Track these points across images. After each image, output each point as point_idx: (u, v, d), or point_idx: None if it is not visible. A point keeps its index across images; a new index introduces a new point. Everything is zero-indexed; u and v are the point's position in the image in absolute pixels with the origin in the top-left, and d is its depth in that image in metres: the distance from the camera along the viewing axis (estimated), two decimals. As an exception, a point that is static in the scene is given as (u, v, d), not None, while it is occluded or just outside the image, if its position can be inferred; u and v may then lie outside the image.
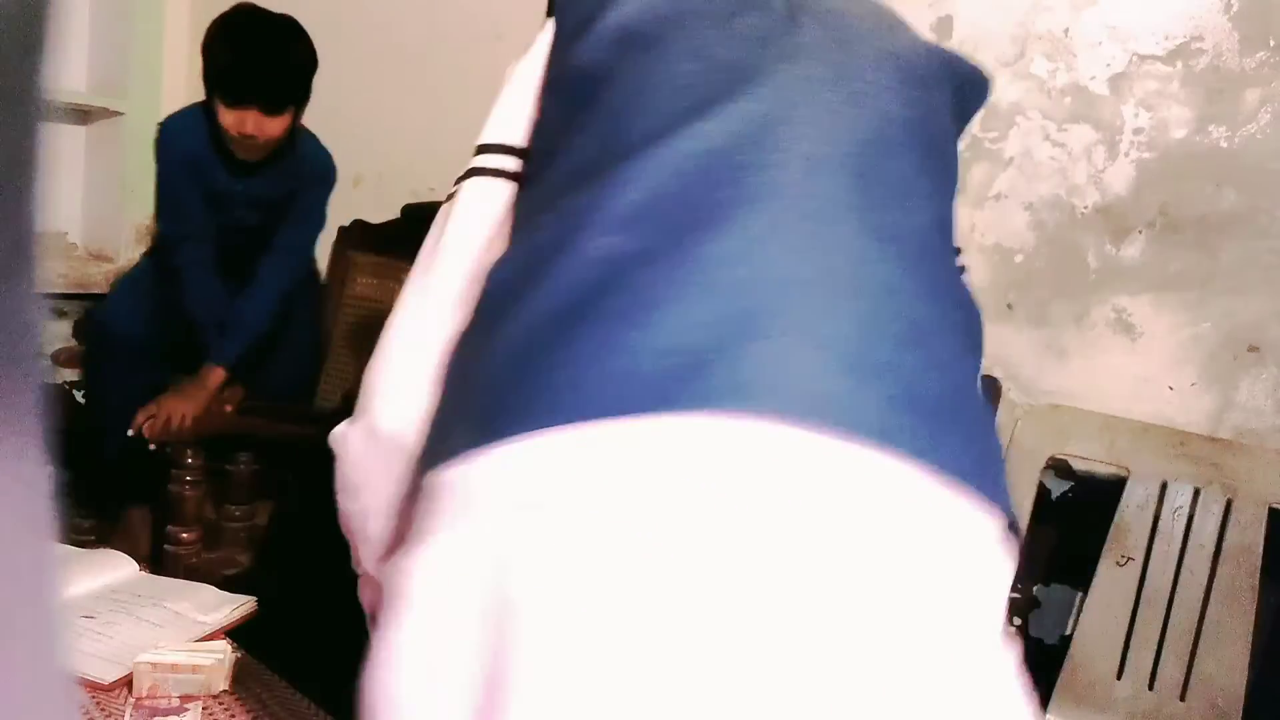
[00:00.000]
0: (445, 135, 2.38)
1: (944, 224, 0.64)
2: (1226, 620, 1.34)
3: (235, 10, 1.79)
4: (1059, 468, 1.59)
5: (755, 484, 0.48)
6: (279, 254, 2.05)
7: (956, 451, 0.52)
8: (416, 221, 2.23)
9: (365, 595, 0.76)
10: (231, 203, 1.95)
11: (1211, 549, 1.38)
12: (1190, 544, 1.39)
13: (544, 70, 0.73)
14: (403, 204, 2.34)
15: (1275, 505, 1.36)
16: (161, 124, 1.95)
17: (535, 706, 0.46)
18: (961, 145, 1.78)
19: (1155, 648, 1.37)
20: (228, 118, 1.77)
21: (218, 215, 1.94)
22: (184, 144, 1.87)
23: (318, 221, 2.11)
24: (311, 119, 2.65)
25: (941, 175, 0.67)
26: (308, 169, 1.99)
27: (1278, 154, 1.46)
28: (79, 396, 2.42)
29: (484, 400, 0.55)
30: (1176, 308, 1.54)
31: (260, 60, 1.73)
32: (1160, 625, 1.38)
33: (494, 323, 0.58)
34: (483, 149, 0.75)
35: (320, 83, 2.66)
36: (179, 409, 1.84)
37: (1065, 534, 1.59)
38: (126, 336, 1.98)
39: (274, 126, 1.80)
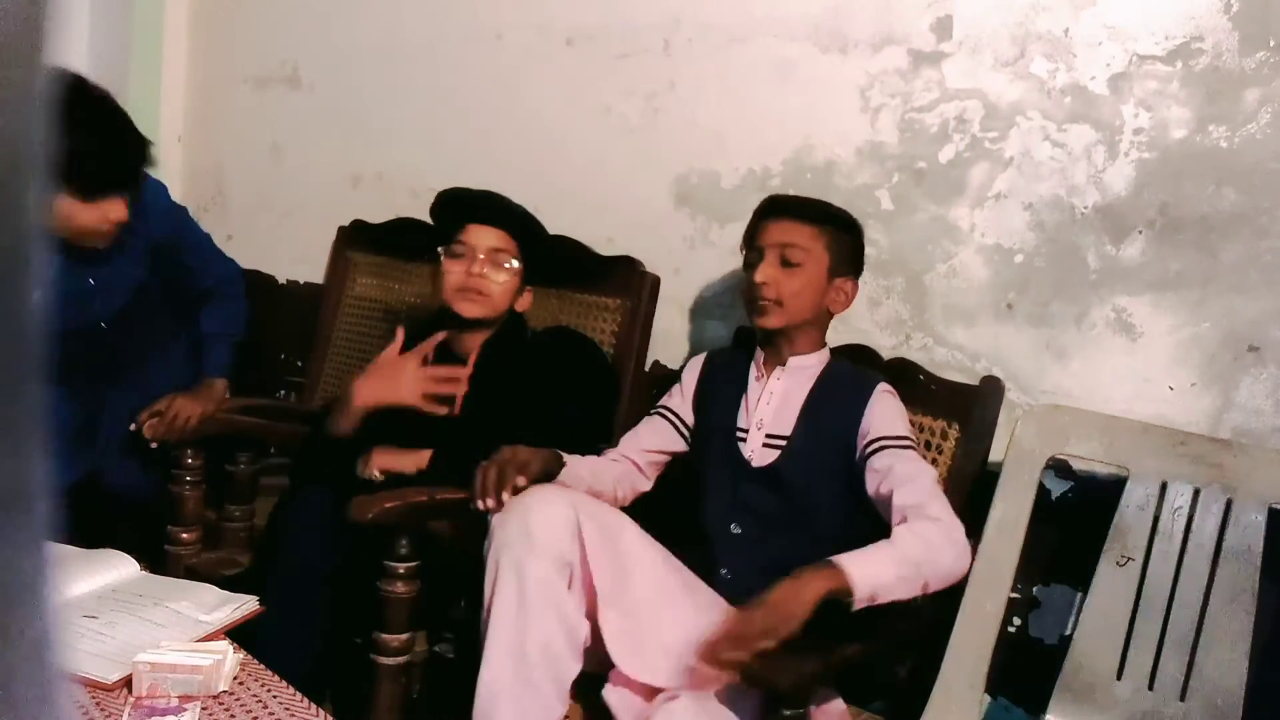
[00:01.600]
0: (445, 135, 2.38)
1: None
2: (1226, 620, 1.34)
3: (62, 92, 1.58)
4: (1059, 468, 1.59)
5: None
6: (217, 285, 2.07)
7: None
8: (413, 230, 2.22)
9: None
10: (86, 298, 1.83)
11: (1211, 549, 1.37)
12: (1190, 544, 1.39)
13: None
14: (402, 204, 2.35)
15: (1276, 505, 1.36)
16: None
17: None
18: (962, 145, 1.80)
19: (1155, 648, 1.37)
20: (89, 214, 1.64)
21: (67, 321, 1.80)
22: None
23: (207, 243, 2.10)
24: (312, 119, 2.66)
25: None
26: (152, 222, 1.88)
27: (1278, 154, 1.46)
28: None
29: None
30: (1176, 308, 1.54)
31: (110, 149, 1.62)
32: (1160, 625, 1.38)
33: None
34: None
35: (321, 83, 2.66)
36: (187, 409, 1.84)
37: (1065, 534, 1.59)
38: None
39: (116, 210, 1.70)
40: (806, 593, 1.19)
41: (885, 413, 1.48)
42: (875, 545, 1.29)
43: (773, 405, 1.56)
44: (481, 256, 1.68)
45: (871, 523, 1.42)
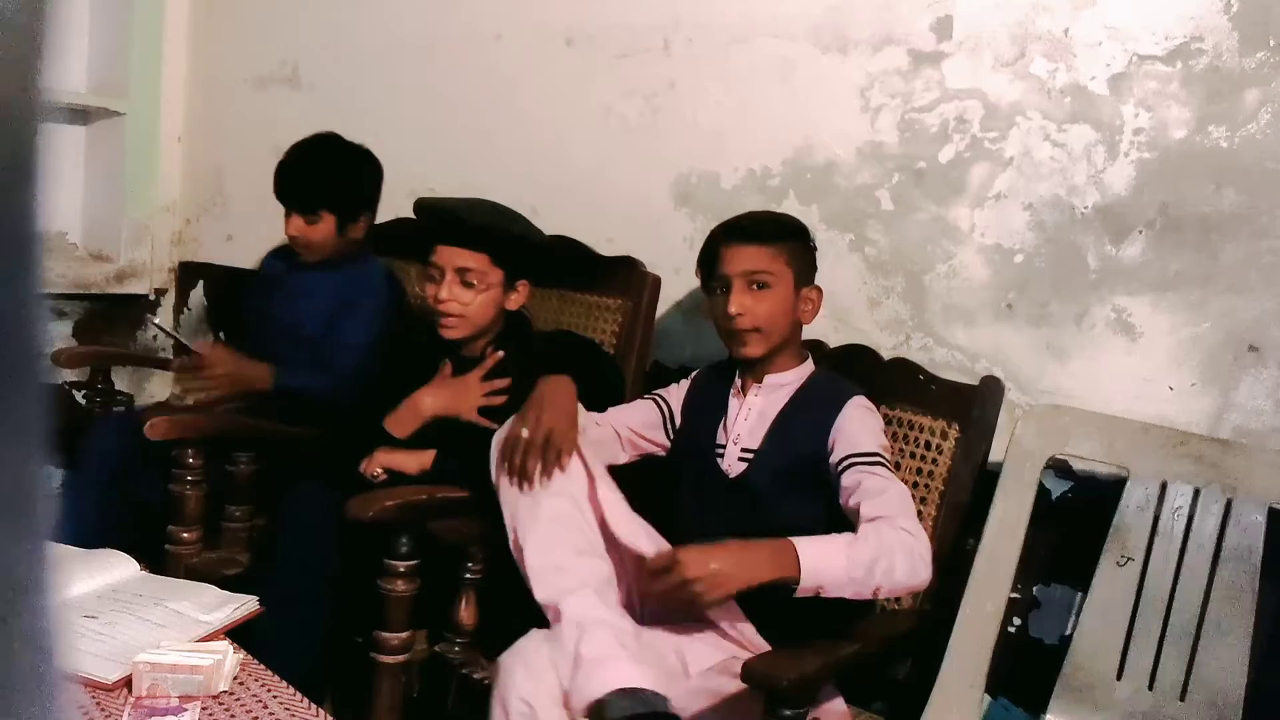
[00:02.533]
0: (445, 135, 2.38)
1: None
2: (1226, 620, 1.34)
3: (311, 135, 2.06)
4: (1059, 468, 1.59)
5: None
6: (323, 366, 2.07)
7: None
8: (413, 230, 2.24)
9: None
10: (288, 292, 2.13)
11: (1212, 549, 1.38)
12: (1190, 544, 1.39)
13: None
14: (402, 204, 2.34)
15: (1276, 506, 1.36)
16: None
17: None
18: (962, 145, 1.79)
19: (1155, 648, 1.38)
20: (285, 224, 2.04)
21: (279, 315, 2.13)
22: (268, 261, 2.26)
23: (354, 332, 2.08)
24: (312, 119, 2.65)
25: None
26: (357, 281, 2.11)
27: (1278, 154, 1.46)
28: (79, 397, 2.42)
29: None
30: (1176, 308, 1.54)
31: (295, 169, 2.00)
32: (1160, 625, 1.38)
33: None
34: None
35: (321, 83, 2.66)
36: (226, 364, 1.85)
37: (1065, 534, 1.59)
38: None
39: (314, 232, 2.02)
40: (752, 574, 1.26)
41: (854, 427, 1.48)
42: (836, 539, 1.31)
43: (750, 421, 1.58)
44: (449, 278, 1.66)
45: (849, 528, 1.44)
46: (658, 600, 1.36)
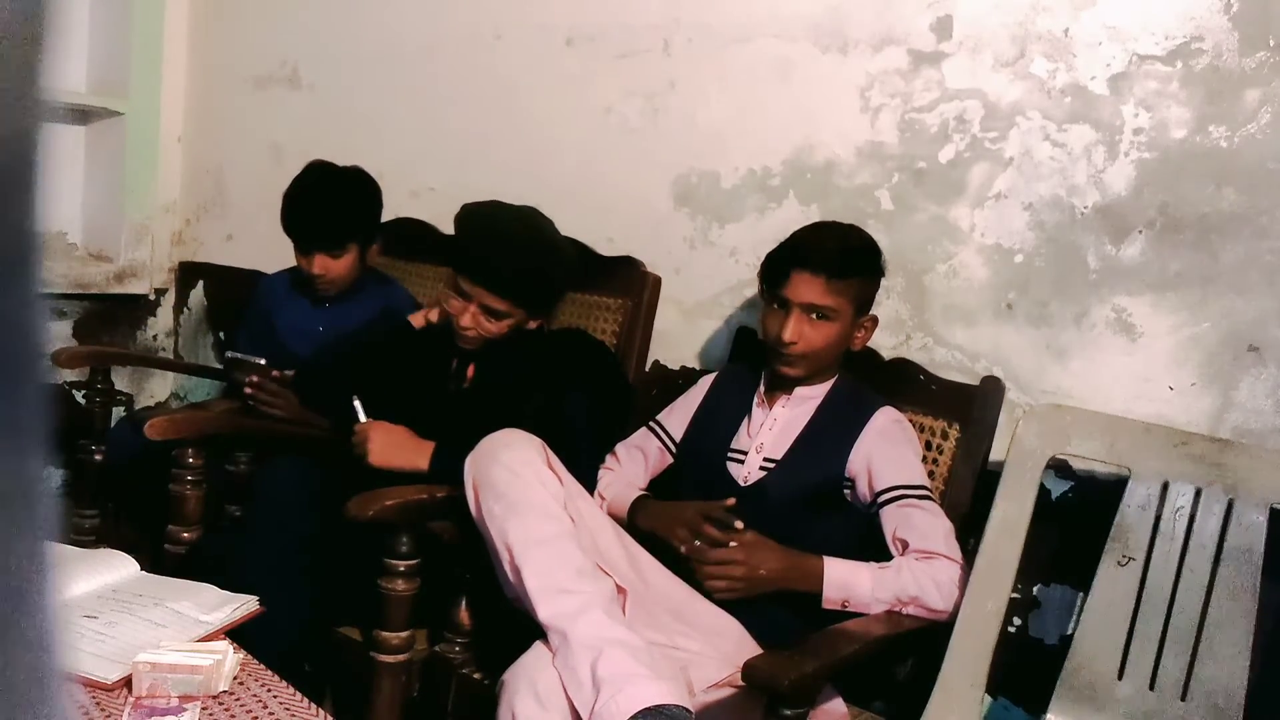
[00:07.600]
0: (445, 135, 2.38)
1: None
2: (1228, 620, 1.34)
3: (305, 168, 2.04)
4: (1059, 468, 1.59)
5: None
6: None
7: None
8: (413, 229, 2.24)
9: None
10: (311, 338, 2.10)
11: (1213, 549, 1.37)
12: (1191, 544, 1.39)
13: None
14: (402, 204, 2.34)
15: (1277, 505, 1.36)
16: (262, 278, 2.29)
17: None
18: (962, 145, 1.79)
19: (1156, 648, 1.37)
20: (302, 262, 2.05)
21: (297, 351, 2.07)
22: (271, 288, 2.22)
23: None
24: (312, 119, 2.66)
25: None
26: (390, 302, 2.10)
27: (1278, 154, 1.46)
28: (79, 397, 2.42)
29: None
30: (1176, 308, 1.54)
31: (315, 212, 1.99)
32: (1161, 625, 1.38)
33: None
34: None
35: (321, 83, 2.66)
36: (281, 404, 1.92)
37: (1065, 534, 1.59)
38: None
39: (339, 266, 2.04)
40: (793, 585, 1.43)
41: (897, 452, 1.50)
42: (870, 569, 1.42)
43: (775, 430, 1.57)
44: (473, 309, 1.63)
45: (857, 546, 1.47)
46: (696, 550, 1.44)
